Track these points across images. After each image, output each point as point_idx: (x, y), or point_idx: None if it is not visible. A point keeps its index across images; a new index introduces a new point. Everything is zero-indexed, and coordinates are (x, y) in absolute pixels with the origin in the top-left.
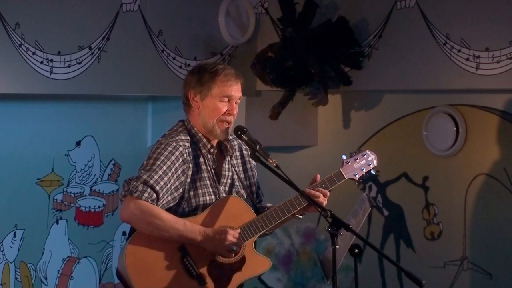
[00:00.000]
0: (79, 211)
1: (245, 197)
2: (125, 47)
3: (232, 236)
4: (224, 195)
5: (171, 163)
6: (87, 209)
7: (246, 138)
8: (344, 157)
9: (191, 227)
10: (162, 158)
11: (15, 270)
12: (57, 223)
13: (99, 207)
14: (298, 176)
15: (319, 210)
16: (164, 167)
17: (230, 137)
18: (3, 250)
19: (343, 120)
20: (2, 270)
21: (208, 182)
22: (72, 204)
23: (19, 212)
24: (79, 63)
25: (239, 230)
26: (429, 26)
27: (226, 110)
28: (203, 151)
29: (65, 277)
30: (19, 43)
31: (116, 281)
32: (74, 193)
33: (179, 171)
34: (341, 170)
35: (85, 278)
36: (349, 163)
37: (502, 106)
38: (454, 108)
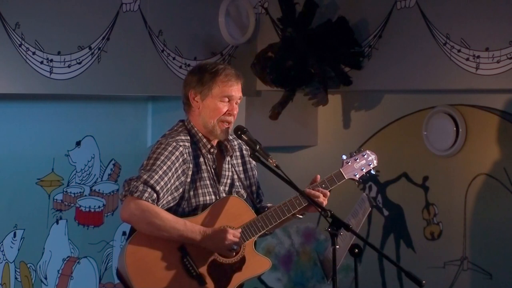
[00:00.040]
0: (79, 211)
1: (245, 197)
2: (125, 47)
3: (232, 235)
4: (224, 195)
5: (171, 163)
6: (87, 209)
7: (246, 138)
8: (344, 157)
9: (191, 227)
10: (162, 158)
11: (15, 270)
12: (57, 223)
13: (99, 207)
14: (298, 176)
15: (319, 210)
16: (165, 167)
17: (230, 137)
18: (3, 250)
19: (343, 120)
20: (2, 270)
21: (208, 182)
22: (72, 204)
23: (19, 212)
24: (79, 63)
25: (239, 230)
26: (429, 26)
27: (227, 110)
28: (203, 151)
29: (65, 277)
30: (19, 43)
31: (116, 281)
32: (74, 193)
33: (179, 171)
34: (341, 170)
35: (85, 278)
36: (349, 163)
37: (502, 106)
38: (454, 108)
